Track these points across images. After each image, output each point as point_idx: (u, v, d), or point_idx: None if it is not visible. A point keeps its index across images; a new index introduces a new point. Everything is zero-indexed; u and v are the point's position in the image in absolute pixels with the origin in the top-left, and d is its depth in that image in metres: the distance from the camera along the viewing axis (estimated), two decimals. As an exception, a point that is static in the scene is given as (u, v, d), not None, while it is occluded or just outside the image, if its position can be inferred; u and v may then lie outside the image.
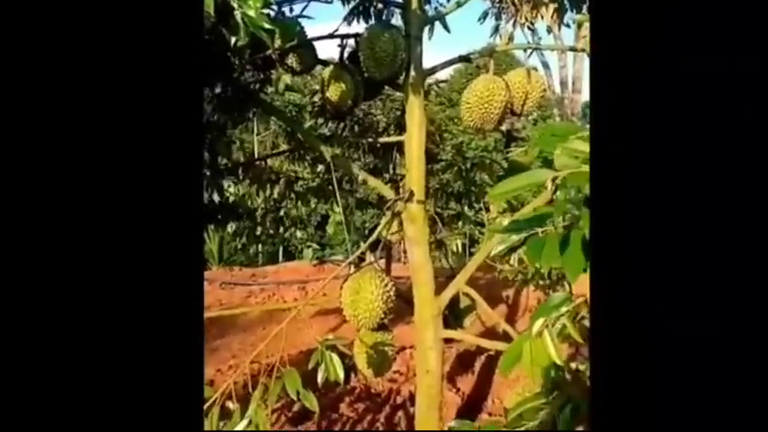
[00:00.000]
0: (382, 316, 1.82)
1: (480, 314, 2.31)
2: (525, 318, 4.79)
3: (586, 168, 0.73)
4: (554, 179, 0.74)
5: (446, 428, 1.96)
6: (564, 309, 1.00)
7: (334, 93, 2.04)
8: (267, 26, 1.29)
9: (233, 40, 1.37)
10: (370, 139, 2.62)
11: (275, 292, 7.59)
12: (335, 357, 1.49)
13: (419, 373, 2.15)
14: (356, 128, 3.38)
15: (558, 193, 0.76)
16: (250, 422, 1.42)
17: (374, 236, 1.88)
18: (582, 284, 0.81)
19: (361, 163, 3.20)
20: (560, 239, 0.90)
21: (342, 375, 1.47)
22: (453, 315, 2.48)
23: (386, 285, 1.82)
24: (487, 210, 3.49)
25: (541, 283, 3.24)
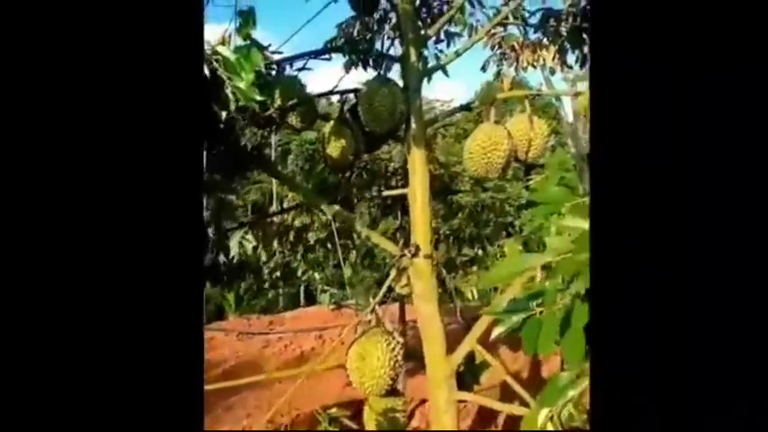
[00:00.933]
0: (390, 383, 1.72)
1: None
2: (551, 362, 4.56)
3: (579, 257, 0.66)
4: (543, 267, 0.67)
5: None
6: (570, 394, 0.90)
7: (334, 149, 2.01)
8: (258, 98, 1.27)
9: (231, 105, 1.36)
10: (375, 193, 2.58)
11: (292, 341, 7.45)
12: (337, 434, 1.39)
13: (434, 437, 2.02)
14: (364, 174, 3.36)
15: (548, 283, 0.69)
16: None
17: (380, 294, 1.80)
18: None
19: (368, 212, 3.16)
20: (560, 322, 0.82)
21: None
22: (470, 371, 2.35)
23: (393, 350, 1.73)
24: (503, 254, 3.38)
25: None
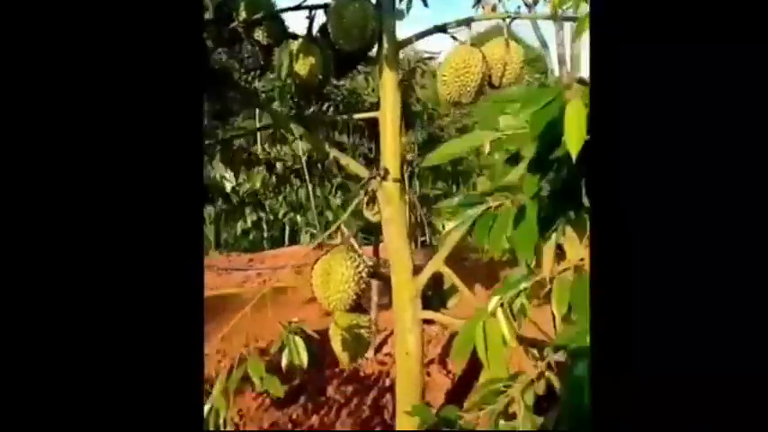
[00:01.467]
0: (354, 297, 1.76)
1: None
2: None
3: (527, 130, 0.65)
4: (492, 141, 0.66)
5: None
6: (522, 286, 0.94)
7: (302, 67, 1.95)
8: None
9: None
10: (345, 116, 2.53)
11: (272, 278, 7.56)
12: (299, 341, 1.43)
13: (398, 356, 2.10)
14: (340, 107, 3.29)
15: (496, 154, 0.68)
16: (211, 408, 1.37)
17: (346, 215, 1.81)
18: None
19: (342, 144, 3.12)
20: (513, 215, 0.83)
21: (305, 360, 1.42)
22: (437, 296, 2.42)
23: (358, 266, 1.76)
24: (475, 189, 3.42)
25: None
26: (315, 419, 2.93)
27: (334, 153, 1.94)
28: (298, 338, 1.44)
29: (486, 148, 0.65)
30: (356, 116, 2.02)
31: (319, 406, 3.08)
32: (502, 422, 0.91)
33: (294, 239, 10.23)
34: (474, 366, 3.58)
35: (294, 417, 2.97)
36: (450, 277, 1.90)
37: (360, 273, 1.75)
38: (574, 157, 0.53)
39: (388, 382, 3.39)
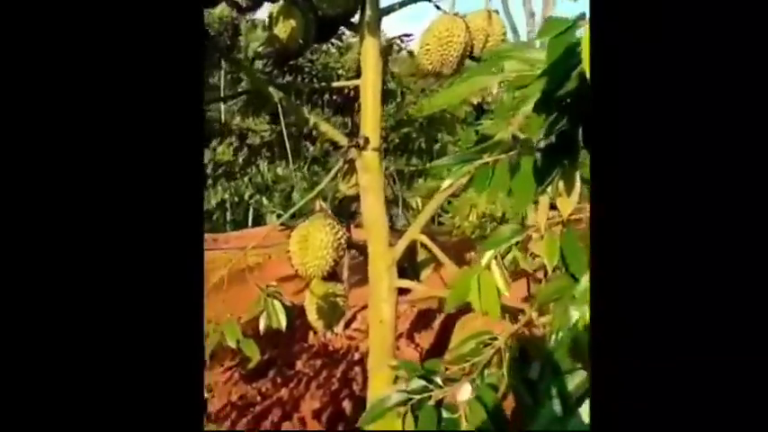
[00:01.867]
0: (332, 264, 1.75)
1: (440, 265, 2.28)
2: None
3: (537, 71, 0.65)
4: (501, 83, 0.66)
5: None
6: (515, 239, 0.95)
7: (282, 30, 1.89)
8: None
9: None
10: (323, 84, 2.49)
11: (239, 257, 7.42)
12: (277, 304, 1.41)
13: (372, 324, 2.11)
14: (315, 80, 3.23)
15: (504, 95, 0.68)
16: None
17: (324, 183, 1.78)
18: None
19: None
20: (510, 166, 0.84)
21: (284, 322, 1.40)
22: (411, 268, 2.44)
23: (336, 233, 1.75)
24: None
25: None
26: (284, 392, 2.92)
27: (313, 119, 1.91)
28: (276, 302, 1.42)
29: (494, 89, 0.65)
30: (336, 84, 1.99)
31: (288, 379, 3.08)
32: (487, 371, 0.93)
33: (258, 223, 10.07)
34: (441, 341, 3.64)
35: (263, 390, 2.95)
36: (428, 246, 1.91)
37: (339, 239, 1.74)
38: (588, 74, 0.53)
39: (357, 356, 3.41)
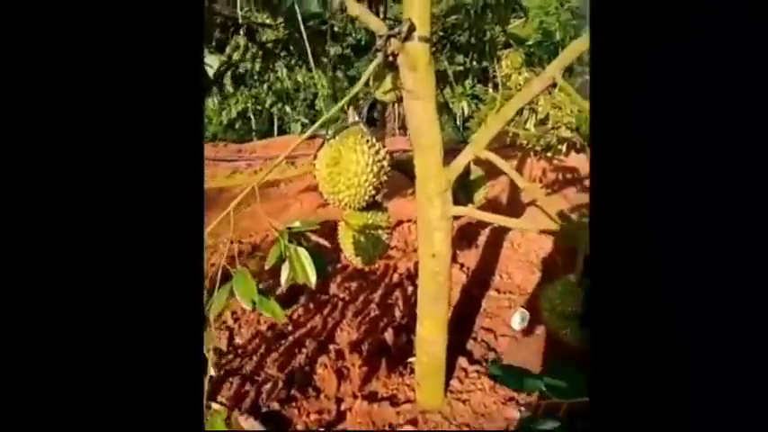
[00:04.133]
0: (373, 193, 1.37)
1: (513, 180, 1.87)
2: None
3: None
4: None
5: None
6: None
7: None
8: None
9: None
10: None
11: (263, 168, 7.13)
12: (303, 253, 1.06)
13: (422, 257, 1.77)
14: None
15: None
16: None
17: (358, 85, 1.34)
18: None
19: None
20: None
21: (313, 277, 1.06)
22: (463, 189, 2.04)
23: (377, 152, 1.34)
24: (500, 64, 2.84)
25: (560, 148, 2.75)
26: (318, 319, 2.71)
27: (340, -4, 1.42)
28: (300, 250, 1.07)
29: None
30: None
31: (322, 305, 2.85)
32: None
33: (283, 131, 9.64)
34: (487, 260, 3.30)
35: (294, 317, 2.75)
36: (503, 167, 1.48)
37: (380, 161, 1.34)
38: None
39: (395, 278, 3.15)
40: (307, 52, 2.18)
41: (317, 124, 1.23)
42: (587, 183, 5.19)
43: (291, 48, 2.76)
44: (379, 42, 1.44)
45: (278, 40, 2.72)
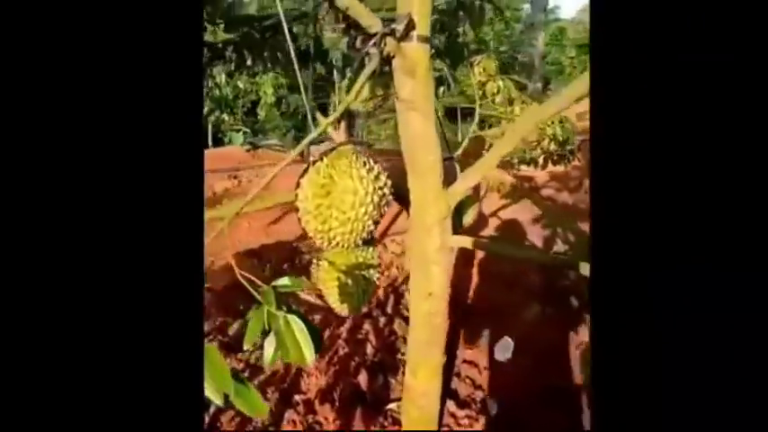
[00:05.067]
0: (371, 228, 1.08)
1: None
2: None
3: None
4: None
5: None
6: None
7: None
8: None
9: None
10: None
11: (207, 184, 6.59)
12: (297, 325, 0.77)
13: (415, 298, 1.50)
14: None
15: None
16: None
17: (352, 94, 1.05)
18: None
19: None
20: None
21: (311, 357, 0.77)
22: (455, 211, 1.79)
23: (376, 177, 1.06)
24: (472, 70, 2.62)
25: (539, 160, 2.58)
26: (279, 363, 2.36)
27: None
28: (293, 320, 0.77)
29: None
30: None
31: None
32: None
33: (219, 143, 9.12)
34: (461, 278, 3.04)
35: (252, 361, 2.38)
36: (532, 199, 1.24)
37: (380, 188, 1.06)
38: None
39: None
40: (287, 52, 1.85)
41: (305, 141, 0.93)
42: (543, 192, 5.16)
43: (245, 51, 2.42)
44: (373, 41, 1.16)
45: (217, 43, 2.36)
